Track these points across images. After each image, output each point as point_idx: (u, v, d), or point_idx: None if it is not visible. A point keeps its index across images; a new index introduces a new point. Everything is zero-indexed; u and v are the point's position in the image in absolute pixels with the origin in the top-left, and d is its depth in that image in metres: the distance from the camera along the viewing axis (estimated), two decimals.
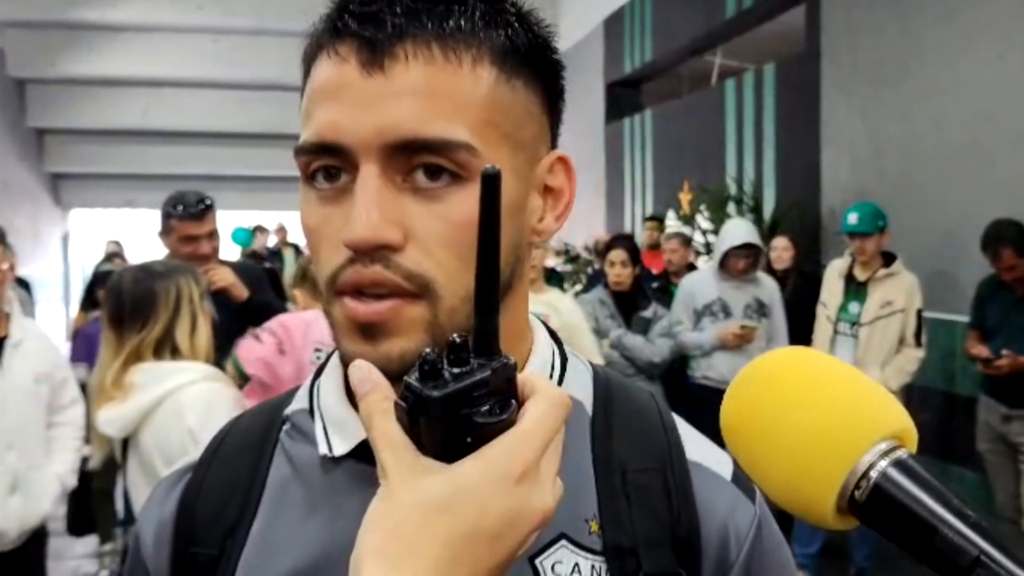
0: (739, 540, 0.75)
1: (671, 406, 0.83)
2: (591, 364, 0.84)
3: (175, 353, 2.41)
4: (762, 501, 0.78)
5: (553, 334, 0.82)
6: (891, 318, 4.56)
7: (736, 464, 0.77)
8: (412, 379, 0.53)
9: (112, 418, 2.36)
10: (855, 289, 4.71)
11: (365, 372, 0.58)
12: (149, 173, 15.13)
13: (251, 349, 2.67)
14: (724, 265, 4.88)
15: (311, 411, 0.80)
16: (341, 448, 0.74)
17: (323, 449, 0.75)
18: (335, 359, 0.79)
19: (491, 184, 0.53)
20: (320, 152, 0.67)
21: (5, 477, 2.97)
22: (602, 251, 5.25)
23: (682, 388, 5.05)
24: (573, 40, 12.25)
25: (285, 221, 12.88)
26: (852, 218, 4.70)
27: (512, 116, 0.69)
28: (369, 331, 0.66)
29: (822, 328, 4.84)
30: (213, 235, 3.40)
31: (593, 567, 0.71)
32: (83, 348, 4.52)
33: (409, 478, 0.52)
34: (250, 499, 0.77)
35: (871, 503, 0.52)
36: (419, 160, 0.65)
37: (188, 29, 12.76)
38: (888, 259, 4.69)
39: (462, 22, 0.67)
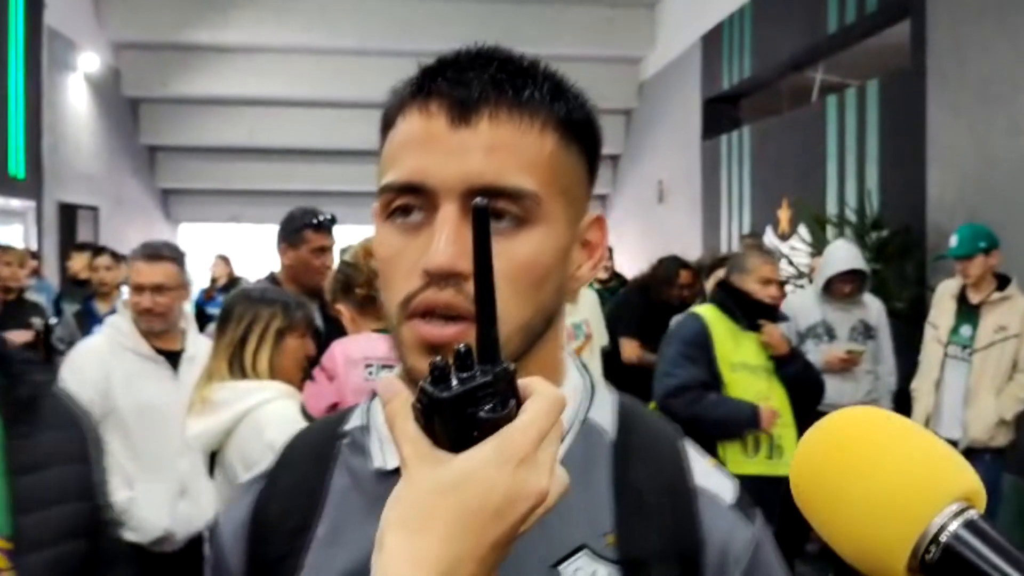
0: (737, 560, 0.84)
1: None
2: (618, 393, 0.94)
3: (243, 373, 2.54)
4: (762, 525, 0.87)
5: (584, 368, 0.94)
6: (1005, 343, 4.40)
7: (739, 489, 0.89)
8: (426, 384, 0.62)
9: (197, 434, 2.51)
10: (967, 312, 4.57)
11: (388, 383, 0.67)
12: (254, 189, 15.58)
13: (308, 392, 2.74)
14: (828, 289, 4.78)
15: (368, 427, 0.91)
16: (393, 462, 0.83)
17: (378, 463, 0.87)
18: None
19: (482, 215, 0.63)
20: (405, 191, 0.78)
21: (176, 483, 3.11)
22: (712, 266, 5.21)
23: None
24: (670, 56, 12.21)
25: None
26: (952, 240, 4.59)
27: (569, 175, 0.81)
28: (437, 351, 0.73)
29: (931, 350, 4.70)
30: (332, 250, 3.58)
31: (609, 575, 0.80)
32: None
33: (425, 466, 0.61)
34: (315, 505, 0.88)
35: (942, 564, 0.53)
36: (492, 204, 0.72)
37: (294, 50, 13.12)
38: (1003, 281, 4.54)
39: (534, 93, 0.79)
